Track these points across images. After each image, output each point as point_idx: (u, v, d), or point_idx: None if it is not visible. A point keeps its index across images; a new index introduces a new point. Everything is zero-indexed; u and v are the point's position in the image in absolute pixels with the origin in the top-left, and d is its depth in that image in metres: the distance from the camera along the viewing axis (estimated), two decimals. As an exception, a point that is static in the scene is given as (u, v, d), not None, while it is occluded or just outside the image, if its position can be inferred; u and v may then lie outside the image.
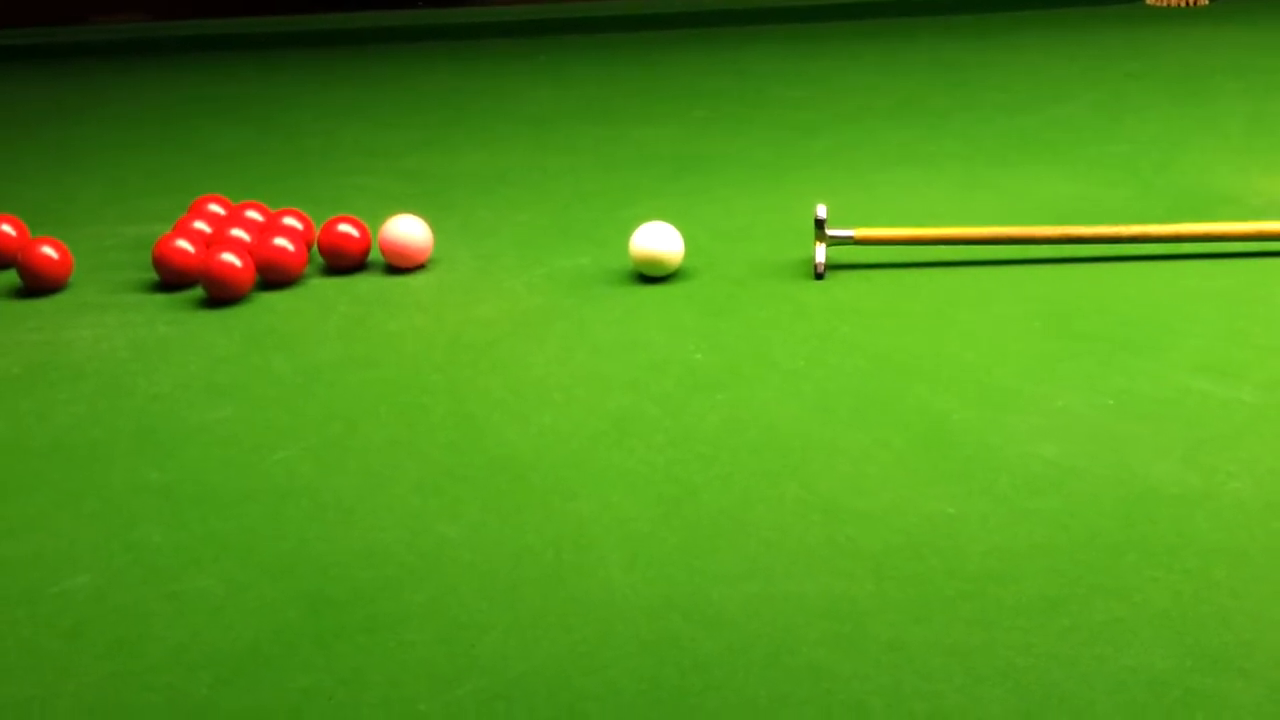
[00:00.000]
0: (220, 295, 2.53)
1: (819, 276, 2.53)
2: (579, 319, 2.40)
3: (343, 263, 2.66)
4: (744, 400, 2.06)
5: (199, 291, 2.58)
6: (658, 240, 2.51)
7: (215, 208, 2.82)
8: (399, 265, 2.66)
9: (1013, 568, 1.58)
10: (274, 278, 2.59)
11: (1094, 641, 1.44)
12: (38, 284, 2.63)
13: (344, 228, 2.66)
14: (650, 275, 2.54)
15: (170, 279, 2.62)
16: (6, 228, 2.78)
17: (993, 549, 1.62)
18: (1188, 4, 4.92)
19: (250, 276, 2.54)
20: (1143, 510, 1.68)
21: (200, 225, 2.72)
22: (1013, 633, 1.46)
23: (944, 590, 1.54)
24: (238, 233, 2.67)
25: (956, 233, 2.56)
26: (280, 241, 2.59)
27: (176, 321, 2.48)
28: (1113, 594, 1.52)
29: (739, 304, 2.44)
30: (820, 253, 2.54)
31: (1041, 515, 1.68)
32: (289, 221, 2.72)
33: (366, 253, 2.68)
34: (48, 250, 2.63)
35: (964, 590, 1.54)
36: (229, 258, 2.51)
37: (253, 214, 2.78)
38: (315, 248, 2.73)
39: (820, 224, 2.53)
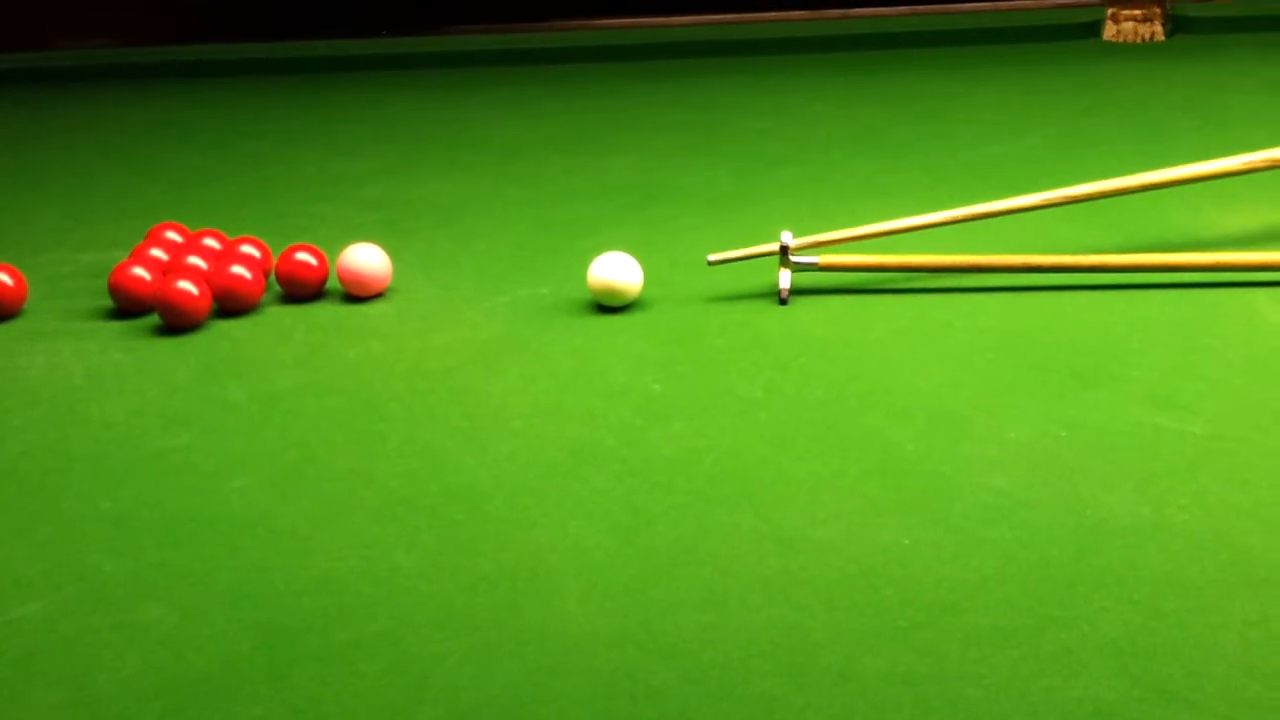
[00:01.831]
0: (176, 323, 2.52)
1: (783, 302, 2.55)
2: (538, 348, 2.40)
3: (300, 291, 2.66)
4: (701, 430, 2.07)
5: (155, 319, 2.57)
6: (615, 270, 2.52)
7: (172, 235, 2.81)
8: (357, 294, 2.66)
9: (965, 598, 1.59)
10: (231, 305, 2.58)
11: (1044, 673, 1.45)
12: (-8, 310, 2.62)
13: (302, 256, 2.66)
14: (609, 305, 2.55)
15: (126, 306, 2.61)
16: (-37, 254, 2.76)
17: (945, 579, 1.63)
18: (1144, 40, 4.98)
19: (206, 304, 2.53)
20: (1094, 541, 1.70)
21: (157, 252, 2.71)
22: (964, 663, 1.47)
23: (897, 620, 1.55)
24: (195, 260, 2.66)
25: (920, 260, 2.58)
26: (237, 269, 2.58)
27: (132, 349, 2.47)
28: (1063, 624, 1.53)
29: (698, 334, 2.45)
30: (785, 278, 2.56)
31: (994, 545, 1.70)
32: (246, 249, 2.72)
33: (324, 281, 2.68)
34: (2, 277, 2.62)
35: (916, 620, 1.55)
36: (185, 285, 2.51)
37: (210, 241, 2.77)
38: (273, 276, 2.72)
39: (785, 250, 2.55)
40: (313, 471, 1.98)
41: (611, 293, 2.53)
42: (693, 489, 1.88)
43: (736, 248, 2.77)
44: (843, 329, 2.43)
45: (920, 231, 2.65)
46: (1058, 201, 2.64)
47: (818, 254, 2.61)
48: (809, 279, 2.64)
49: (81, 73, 5.03)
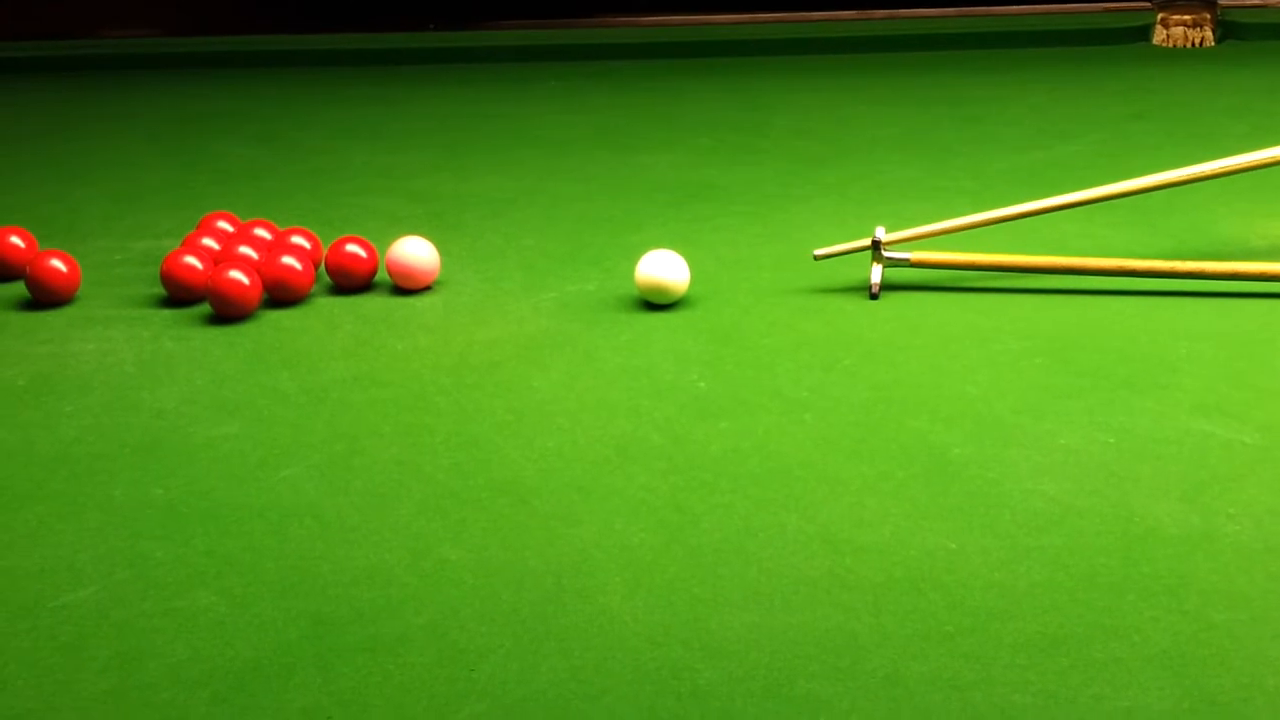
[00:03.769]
0: (227, 312, 2.54)
1: (874, 297, 2.57)
2: (584, 344, 2.41)
3: (350, 283, 2.67)
4: (747, 429, 2.07)
5: (205, 308, 2.59)
6: (663, 268, 2.52)
7: (224, 224, 2.83)
8: (405, 286, 2.67)
9: (1012, 605, 1.59)
10: (281, 296, 2.60)
11: (1093, 681, 1.44)
12: (45, 296, 2.64)
13: (351, 248, 2.67)
14: (655, 303, 2.55)
15: (177, 294, 2.63)
16: (15, 240, 2.79)
17: (992, 585, 1.63)
18: (1193, 45, 4.94)
19: (257, 294, 2.55)
20: (1143, 550, 1.69)
21: (209, 242, 2.73)
22: (1011, 670, 1.47)
23: (943, 625, 1.55)
24: (246, 250, 2.68)
25: (1012, 260, 2.58)
26: (288, 260, 2.60)
27: (183, 337, 2.49)
28: (1112, 633, 1.52)
29: (743, 333, 2.45)
30: (876, 273, 2.58)
31: (1042, 552, 1.69)
32: (297, 240, 2.73)
33: (374, 273, 2.69)
34: (56, 263, 2.65)
35: (963, 626, 1.55)
36: (236, 275, 2.52)
37: (261, 232, 2.79)
38: (323, 267, 2.74)
39: (877, 245, 2.56)
40: (360, 462, 1.99)
41: (659, 290, 2.53)
42: (738, 488, 1.89)
43: (781, 247, 2.78)
44: (889, 331, 2.43)
45: (966, 232, 2.65)
46: (1136, 190, 2.63)
47: (909, 249, 2.61)
48: (852, 281, 2.63)
49: (129, 61, 5.07)
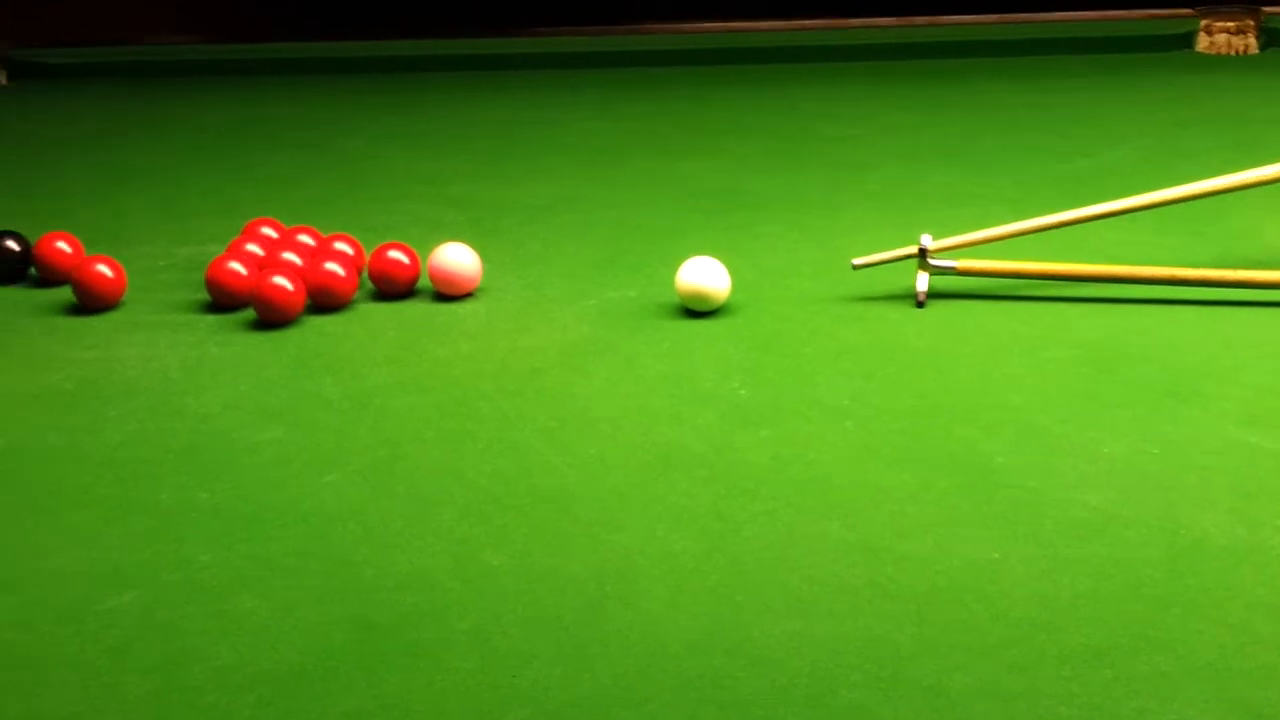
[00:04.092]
0: (271, 318, 2.55)
1: (920, 305, 2.56)
2: (626, 351, 2.41)
3: (392, 289, 2.69)
4: (788, 437, 2.07)
5: (250, 313, 2.60)
6: (705, 275, 2.52)
7: (268, 231, 2.85)
8: (447, 293, 2.68)
9: (1056, 615, 1.58)
10: (324, 302, 2.62)
11: (1137, 694, 1.43)
12: (91, 302, 2.67)
13: (394, 254, 2.68)
14: (697, 310, 2.55)
15: (222, 300, 2.65)
16: (62, 245, 2.81)
17: (1036, 595, 1.62)
18: (1237, 52, 4.91)
19: (301, 300, 2.57)
20: (1188, 562, 1.68)
21: (253, 248, 2.75)
22: (1056, 682, 1.46)
23: (986, 636, 1.54)
24: (290, 256, 2.69)
25: (1060, 268, 2.57)
26: (331, 266, 2.61)
27: (227, 343, 2.50)
28: (1157, 646, 1.51)
29: (784, 340, 2.45)
30: (923, 281, 2.57)
31: (1086, 563, 1.68)
32: (340, 246, 2.75)
33: (416, 279, 2.71)
34: (102, 268, 2.67)
35: (1006, 637, 1.54)
36: (280, 281, 2.54)
37: (304, 238, 2.81)
38: (365, 273, 2.75)
39: (924, 252, 2.55)
40: (403, 468, 2.00)
41: (700, 298, 2.53)
42: (780, 496, 1.88)
43: (822, 254, 2.77)
44: (931, 340, 2.42)
45: (1008, 240, 2.64)
46: (1182, 198, 2.61)
47: (953, 258, 2.60)
48: (894, 289, 2.63)
49: (172, 68, 5.11)
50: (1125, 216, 2.67)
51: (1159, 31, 5.03)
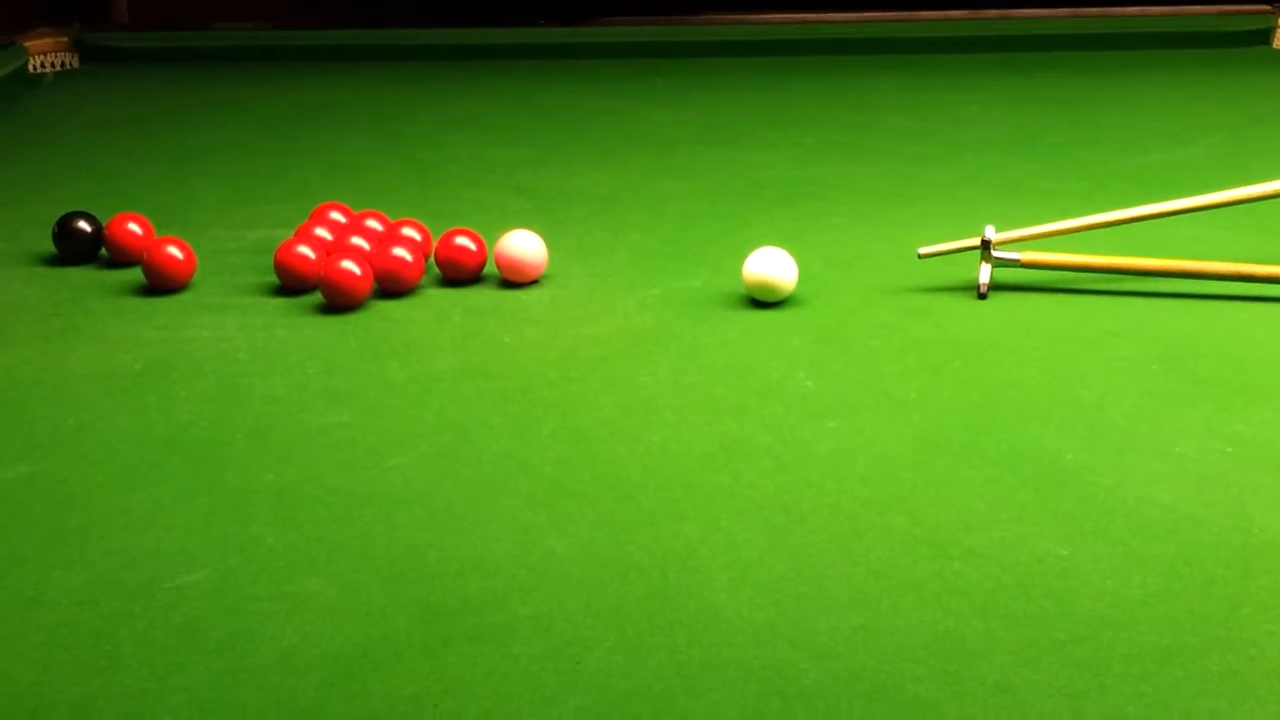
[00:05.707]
0: (338, 302, 2.57)
1: (982, 296, 2.54)
2: (691, 340, 2.41)
3: (459, 275, 2.69)
4: (854, 429, 2.05)
5: (317, 297, 2.62)
6: (772, 266, 2.51)
7: (336, 215, 2.87)
8: (514, 280, 2.69)
9: (1125, 614, 1.56)
10: (391, 287, 2.63)
11: (1207, 694, 1.41)
12: (161, 283, 2.69)
13: (461, 240, 2.69)
14: (763, 300, 2.54)
15: (290, 284, 2.66)
16: (133, 226, 2.84)
17: (1105, 593, 1.60)
18: (1317, 47, 4.84)
19: (369, 285, 2.58)
20: (1261, 562, 1.65)
21: (321, 232, 2.77)
22: (1124, 680, 1.44)
23: (1054, 633, 1.53)
24: (358, 241, 2.71)
25: (1125, 262, 2.54)
26: (399, 251, 2.63)
27: (295, 326, 2.52)
28: (1228, 646, 1.49)
29: (850, 333, 2.43)
30: (985, 273, 2.55)
31: (1156, 561, 1.66)
32: (408, 232, 2.76)
33: (482, 266, 2.71)
34: (173, 250, 2.69)
35: (1075, 634, 1.52)
36: (349, 265, 2.55)
37: (373, 223, 2.82)
38: (432, 259, 2.76)
39: (986, 244, 2.53)
40: (468, 453, 2.01)
41: (767, 288, 2.52)
42: (844, 488, 1.87)
43: (890, 247, 2.75)
44: (999, 333, 2.40)
45: (1077, 235, 2.61)
46: (1255, 197, 2.58)
47: (1019, 250, 2.58)
48: (961, 281, 2.61)
49: (244, 53, 5.14)
50: (1196, 214, 2.64)
51: (1236, 28, 4.96)
